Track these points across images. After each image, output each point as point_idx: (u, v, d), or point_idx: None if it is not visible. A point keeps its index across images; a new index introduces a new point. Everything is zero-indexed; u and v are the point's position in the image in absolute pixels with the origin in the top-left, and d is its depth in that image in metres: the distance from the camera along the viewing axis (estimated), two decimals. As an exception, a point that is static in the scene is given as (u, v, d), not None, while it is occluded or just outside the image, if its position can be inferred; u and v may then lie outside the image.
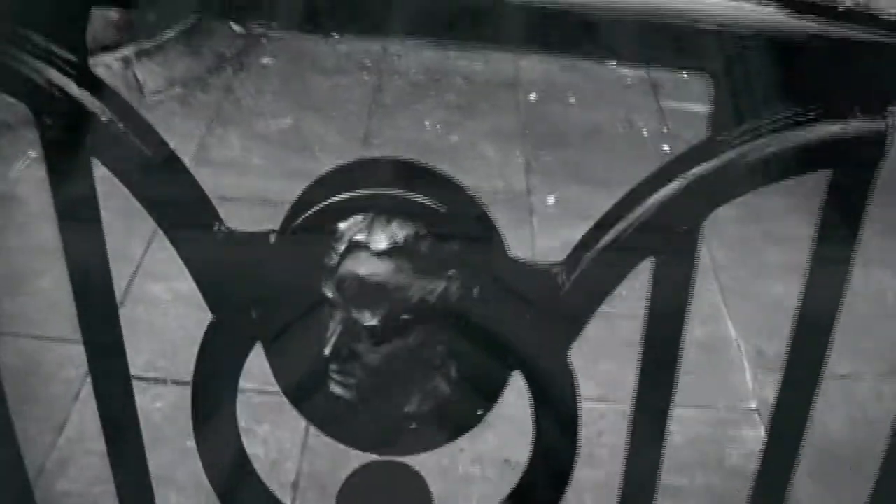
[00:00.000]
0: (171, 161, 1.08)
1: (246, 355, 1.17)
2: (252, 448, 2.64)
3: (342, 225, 1.06)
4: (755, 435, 2.92)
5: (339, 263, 1.07)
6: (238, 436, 1.27)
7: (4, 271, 3.27)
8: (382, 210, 1.05)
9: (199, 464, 1.26)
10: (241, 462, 1.29)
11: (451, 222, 1.06)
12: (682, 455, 2.80)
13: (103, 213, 1.11)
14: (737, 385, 3.16)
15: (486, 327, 1.13)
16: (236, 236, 1.10)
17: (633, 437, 1.20)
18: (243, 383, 1.21)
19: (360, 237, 1.06)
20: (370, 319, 1.09)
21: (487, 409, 1.18)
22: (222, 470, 1.28)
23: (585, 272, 1.10)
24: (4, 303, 3.13)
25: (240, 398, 1.22)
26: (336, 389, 1.16)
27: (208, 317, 1.15)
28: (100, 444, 1.24)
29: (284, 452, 2.70)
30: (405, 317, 1.09)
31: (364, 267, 1.06)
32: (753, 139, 1.07)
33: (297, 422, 2.76)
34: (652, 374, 1.17)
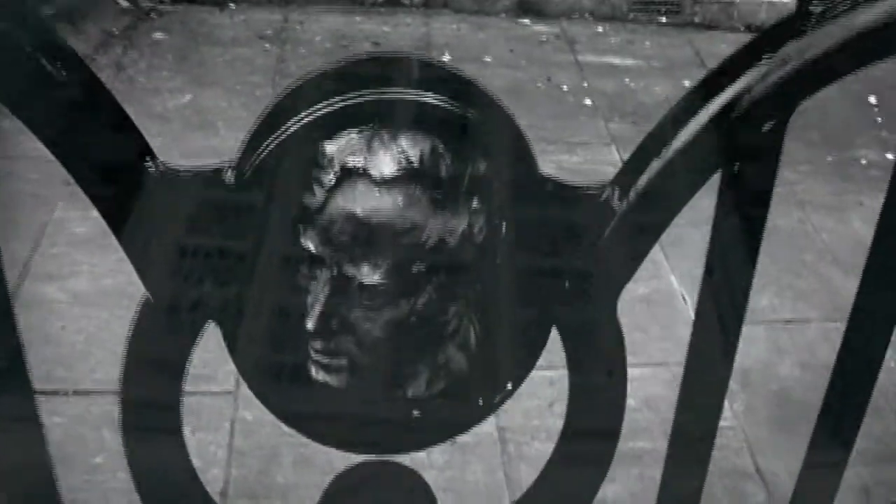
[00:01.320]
0: (86, 81, 0.75)
1: (193, 341, 0.85)
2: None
3: (329, 147, 0.76)
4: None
5: (325, 202, 0.77)
6: (183, 445, 0.96)
7: None
8: (386, 122, 0.75)
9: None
10: (186, 474, 0.98)
11: (475, 134, 0.77)
12: (641, 418, 2.59)
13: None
14: (686, 339, 2.99)
15: (517, 273, 0.84)
16: (177, 177, 0.78)
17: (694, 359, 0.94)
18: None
19: (355, 162, 0.76)
20: (369, 275, 0.79)
21: (519, 380, 0.89)
22: (161, 483, 0.96)
23: (644, 192, 0.82)
24: None
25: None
26: (320, 374, 0.85)
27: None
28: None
29: (209, 458, 2.37)
30: (416, 268, 0.79)
31: (361, 203, 0.76)
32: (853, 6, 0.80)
33: (221, 422, 2.48)
34: (720, 301, 0.91)
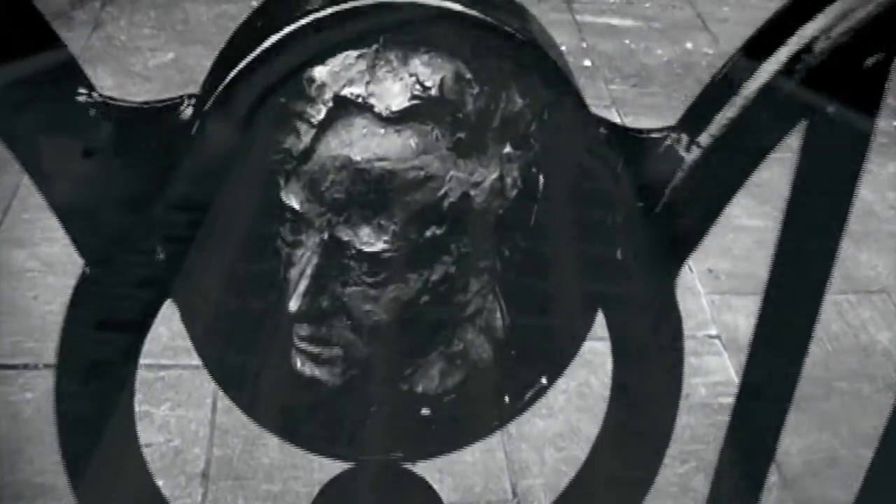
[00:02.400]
0: None
1: (148, 324, 0.66)
2: (150, 436, 2.16)
3: (319, 72, 0.56)
4: (719, 363, 2.59)
5: (313, 144, 0.58)
6: (139, 453, 0.77)
7: None
8: (394, 37, 0.55)
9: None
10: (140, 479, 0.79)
11: (511, 59, 0.58)
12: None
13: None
14: (693, 311, 2.84)
15: (558, 240, 0.65)
16: (121, 111, 0.59)
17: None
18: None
19: (352, 91, 0.56)
20: (371, 242, 0.60)
21: (555, 374, 0.71)
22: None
23: (721, 137, 0.63)
24: None
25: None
26: (307, 368, 0.66)
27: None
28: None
29: (189, 437, 2.19)
30: (432, 232, 0.60)
31: (361, 146, 0.57)
32: None
33: (202, 398, 2.30)
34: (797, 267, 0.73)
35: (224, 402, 2.22)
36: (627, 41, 3.81)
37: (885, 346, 2.54)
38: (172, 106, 0.59)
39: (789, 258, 0.74)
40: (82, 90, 0.57)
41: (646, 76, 3.54)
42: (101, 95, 0.58)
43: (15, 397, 2.17)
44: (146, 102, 0.59)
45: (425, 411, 0.71)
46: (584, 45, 3.74)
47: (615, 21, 3.94)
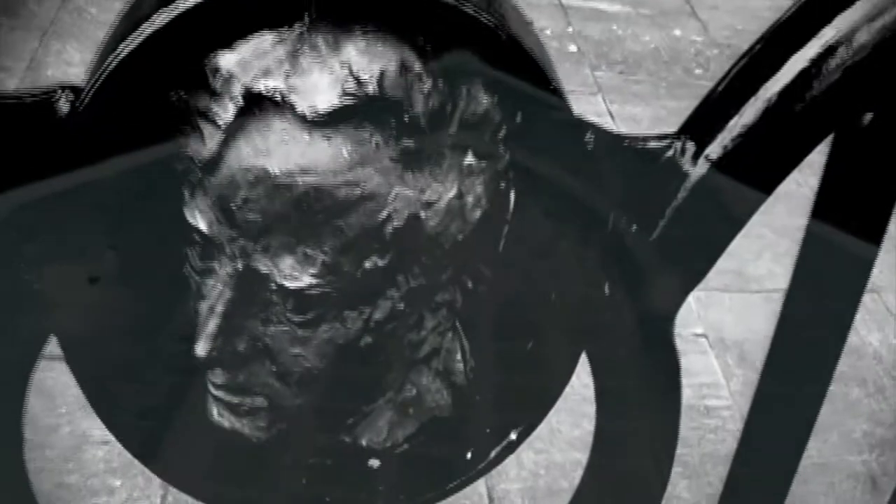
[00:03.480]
0: None
1: (28, 367, 0.53)
2: (107, 433, 2.02)
3: (227, 59, 0.43)
4: (705, 364, 2.48)
5: (221, 151, 0.45)
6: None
7: None
8: (323, 16, 0.42)
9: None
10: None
11: (475, 45, 0.45)
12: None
13: None
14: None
15: (533, 271, 0.52)
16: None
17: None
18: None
19: (270, 84, 0.43)
20: (295, 275, 0.47)
21: (527, 429, 0.58)
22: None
23: (733, 148, 0.50)
24: None
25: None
26: (225, 419, 0.54)
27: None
28: None
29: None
30: (372, 263, 0.48)
31: (281, 155, 0.44)
32: None
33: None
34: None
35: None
36: (615, 27, 3.68)
37: (876, 347, 2.44)
38: (44, 99, 0.45)
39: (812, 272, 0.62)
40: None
41: (633, 63, 3.41)
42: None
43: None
44: (10, 95, 0.45)
45: (374, 462, 0.59)
46: (570, 29, 3.61)
47: (603, 5, 3.80)
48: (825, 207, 0.59)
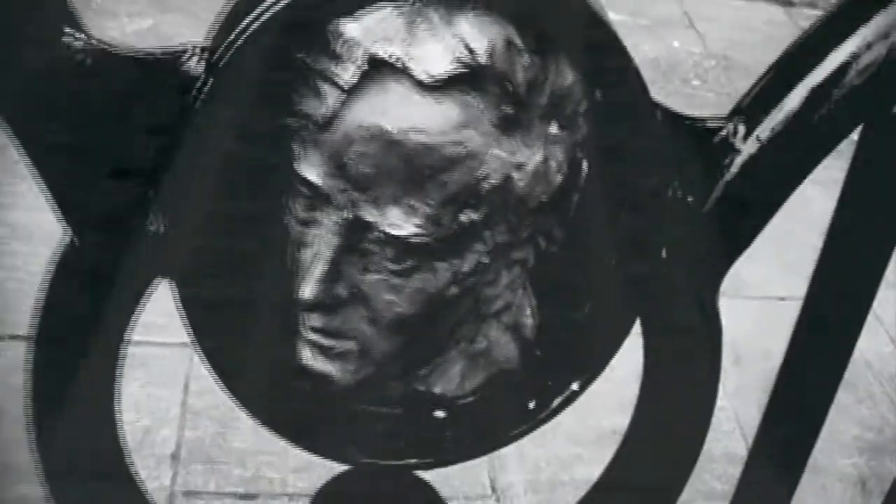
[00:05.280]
0: None
1: (134, 307, 0.57)
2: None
3: (350, 28, 0.48)
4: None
5: (339, 111, 0.50)
6: (116, 434, 0.69)
7: None
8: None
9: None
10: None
11: (567, 30, 0.50)
12: (628, 392, 2.37)
13: None
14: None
15: (598, 235, 0.58)
16: (115, 61, 0.50)
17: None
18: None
19: (388, 51, 0.49)
20: (398, 224, 0.52)
21: (587, 380, 0.63)
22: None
23: (782, 129, 0.56)
24: None
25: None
26: (317, 362, 0.58)
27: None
28: None
29: (160, 417, 2.10)
30: (468, 217, 0.53)
31: (394, 114, 0.49)
32: None
33: (175, 375, 2.21)
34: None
35: (198, 382, 2.14)
36: (615, 36, 3.74)
37: (866, 355, 2.50)
38: (175, 58, 0.50)
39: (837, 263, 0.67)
40: (68, 30, 0.49)
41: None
42: (91, 39, 0.49)
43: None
44: (144, 52, 0.50)
45: (440, 413, 0.63)
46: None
47: None
48: (852, 193, 0.64)
